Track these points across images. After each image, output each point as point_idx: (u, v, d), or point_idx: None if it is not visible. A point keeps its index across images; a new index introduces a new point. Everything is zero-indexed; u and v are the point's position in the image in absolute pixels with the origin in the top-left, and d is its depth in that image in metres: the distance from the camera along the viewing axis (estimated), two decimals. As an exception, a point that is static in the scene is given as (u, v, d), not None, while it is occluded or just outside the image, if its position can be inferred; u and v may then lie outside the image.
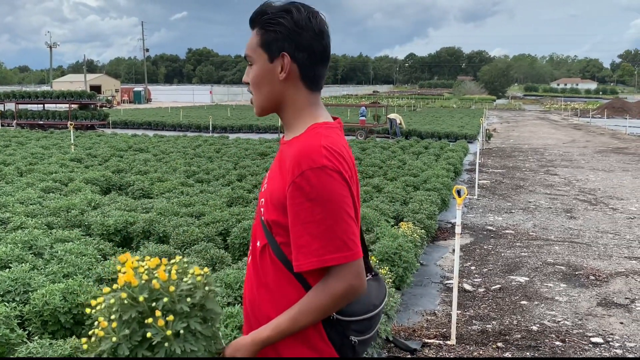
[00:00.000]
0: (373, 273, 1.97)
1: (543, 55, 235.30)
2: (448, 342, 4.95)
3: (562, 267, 7.22)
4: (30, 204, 7.96)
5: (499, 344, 4.96)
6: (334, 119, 1.86)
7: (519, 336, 5.14)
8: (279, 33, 1.75)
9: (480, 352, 4.80)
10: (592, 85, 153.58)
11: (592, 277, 6.82)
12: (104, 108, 30.31)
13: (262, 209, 1.78)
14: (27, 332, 3.89)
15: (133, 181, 10.37)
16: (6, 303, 3.98)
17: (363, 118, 26.86)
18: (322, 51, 1.80)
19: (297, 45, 1.75)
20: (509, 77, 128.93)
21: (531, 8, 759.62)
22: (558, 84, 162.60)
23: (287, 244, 1.70)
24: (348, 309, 1.72)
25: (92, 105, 29.73)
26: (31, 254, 5.46)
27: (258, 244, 1.79)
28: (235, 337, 3.46)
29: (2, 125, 27.10)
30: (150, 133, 24.40)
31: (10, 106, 30.59)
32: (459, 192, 4.78)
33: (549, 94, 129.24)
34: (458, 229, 5.01)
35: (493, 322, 5.49)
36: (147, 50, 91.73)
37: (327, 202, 1.60)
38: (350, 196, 1.67)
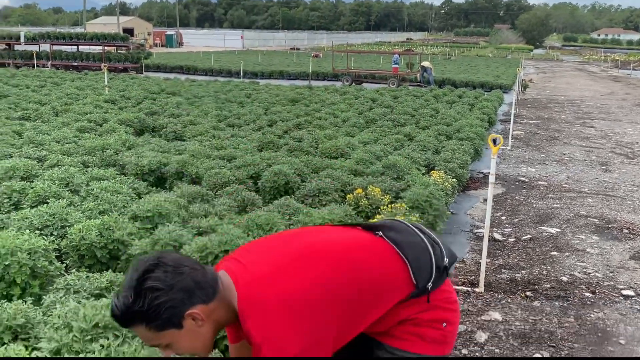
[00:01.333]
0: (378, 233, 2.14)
1: (584, 4, 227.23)
2: (476, 290, 4.96)
3: (594, 220, 7.12)
4: (66, 143, 8.10)
5: (528, 293, 4.96)
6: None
7: (548, 286, 5.13)
8: (167, 308, 1.62)
9: (509, 300, 4.81)
10: (635, 36, 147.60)
11: (625, 231, 6.73)
12: (139, 50, 30.29)
13: None
14: (64, 265, 4.01)
15: (166, 124, 10.45)
16: (44, 237, 4.09)
17: (396, 66, 26.43)
18: (196, 272, 1.70)
19: (186, 296, 1.65)
20: (548, 26, 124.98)
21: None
22: (599, 35, 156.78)
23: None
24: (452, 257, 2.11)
25: (126, 48, 29.81)
26: (68, 190, 5.59)
27: None
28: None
29: (37, 66, 27.35)
30: (182, 77, 24.42)
31: (45, 47, 30.80)
32: (494, 141, 4.70)
33: (589, 44, 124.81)
34: (492, 178, 4.96)
35: (522, 271, 5.48)
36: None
37: None
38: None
